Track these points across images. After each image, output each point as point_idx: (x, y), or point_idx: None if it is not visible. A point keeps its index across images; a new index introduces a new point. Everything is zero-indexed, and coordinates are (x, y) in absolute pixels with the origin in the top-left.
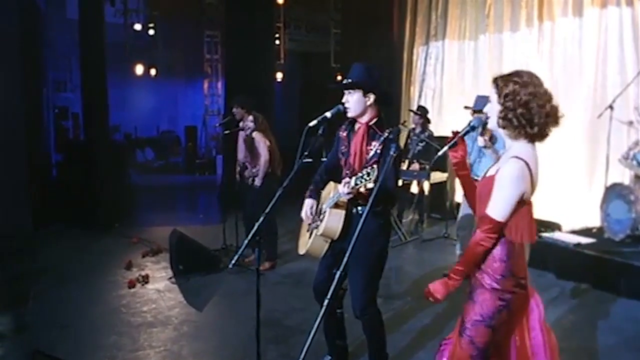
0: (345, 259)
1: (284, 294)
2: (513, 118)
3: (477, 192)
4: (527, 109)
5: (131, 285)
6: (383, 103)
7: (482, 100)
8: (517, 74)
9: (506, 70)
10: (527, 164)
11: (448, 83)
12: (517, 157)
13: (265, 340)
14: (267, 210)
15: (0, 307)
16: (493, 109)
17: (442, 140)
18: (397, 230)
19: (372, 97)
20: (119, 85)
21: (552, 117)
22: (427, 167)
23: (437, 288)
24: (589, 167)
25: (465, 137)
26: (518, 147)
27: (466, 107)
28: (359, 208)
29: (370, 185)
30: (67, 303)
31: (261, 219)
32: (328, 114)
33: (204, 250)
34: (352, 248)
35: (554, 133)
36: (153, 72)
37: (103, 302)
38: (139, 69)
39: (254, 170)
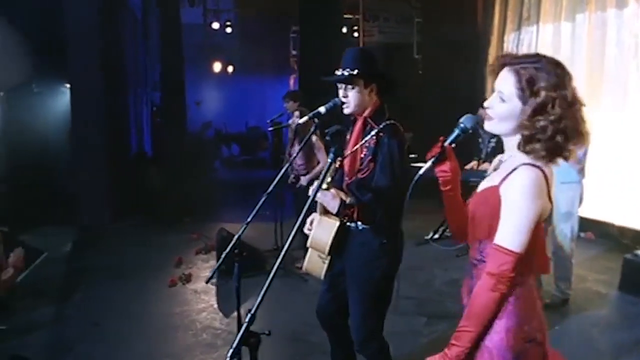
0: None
1: None
2: (542, 149)
3: (469, 212)
4: (565, 136)
5: (172, 284)
6: (388, 93)
7: None
8: (537, 60)
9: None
10: (543, 172)
11: None
12: (530, 164)
13: (281, 356)
14: (248, 220)
15: (49, 299)
16: (508, 110)
17: None
18: None
19: (374, 88)
20: (210, 84)
21: (583, 138)
22: None
23: None
24: None
25: None
26: (528, 156)
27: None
28: (359, 223)
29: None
30: (107, 299)
31: (242, 229)
32: (322, 109)
33: (251, 251)
34: (349, 269)
35: None
36: (240, 70)
37: (140, 300)
38: (229, 68)
39: (302, 170)
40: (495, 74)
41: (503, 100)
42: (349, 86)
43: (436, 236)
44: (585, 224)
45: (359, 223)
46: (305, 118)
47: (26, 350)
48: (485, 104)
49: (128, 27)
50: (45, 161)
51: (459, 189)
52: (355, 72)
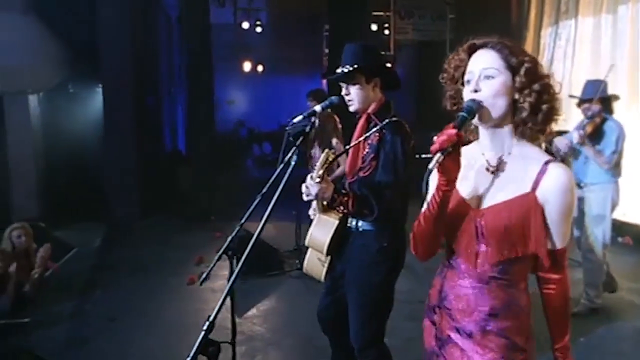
0: None
1: None
2: (547, 111)
3: (486, 225)
4: (554, 90)
5: (190, 282)
6: (391, 87)
7: (593, 87)
8: (501, 39)
9: None
10: None
11: (580, 68)
12: (551, 161)
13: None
14: (242, 221)
15: (72, 294)
16: (500, 84)
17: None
18: None
19: (377, 83)
20: (242, 83)
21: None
22: None
23: None
24: None
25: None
26: (532, 150)
27: (572, 96)
28: (358, 223)
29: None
30: (125, 295)
31: (236, 230)
32: (318, 108)
33: (270, 251)
34: (348, 273)
35: None
36: (273, 69)
37: (157, 297)
38: (259, 67)
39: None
40: (464, 63)
41: (491, 77)
42: (351, 83)
43: None
44: (624, 228)
45: (360, 223)
46: (299, 117)
47: (43, 343)
48: (471, 88)
49: (162, 28)
50: (80, 159)
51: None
52: (354, 67)
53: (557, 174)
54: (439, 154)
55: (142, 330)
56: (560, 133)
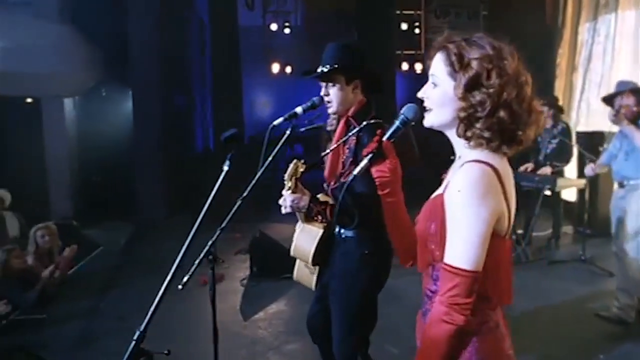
0: None
1: None
2: (483, 128)
3: (417, 231)
4: (509, 111)
5: (204, 283)
6: (373, 90)
7: (624, 84)
8: (468, 36)
9: None
10: (494, 169)
11: (620, 66)
12: (475, 160)
13: None
14: (222, 225)
15: (90, 292)
16: (441, 93)
17: (590, 136)
18: (516, 246)
19: (358, 84)
20: (274, 85)
21: (535, 116)
22: (561, 169)
23: None
24: None
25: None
26: (477, 153)
27: (603, 99)
28: (341, 230)
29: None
30: (138, 294)
31: (216, 233)
32: (299, 109)
33: (285, 253)
34: (332, 281)
35: None
36: (301, 70)
37: (167, 297)
38: (287, 68)
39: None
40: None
41: (436, 85)
42: (330, 83)
43: None
44: None
45: (342, 231)
46: (279, 120)
47: (54, 340)
48: (419, 94)
49: (194, 30)
50: (112, 160)
51: (401, 196)
52: (333, 67)
53: (461, 173)
54: (364, 161)
55: (149, 330)
56: (582, 135)
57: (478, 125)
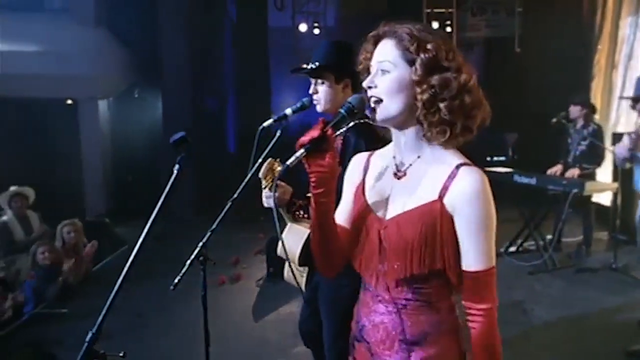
0: None
1: None
2: (446, 112)
3: (388, 238)
4: (471, 95)
5: (220, 283)
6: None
7: None
8: (412, 24)
9: None
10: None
11: None
12: (464, 164)
13: None
14: (213, 227)
15: (110, 289)
16: (396, 79)
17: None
18: (543, 251)
19: (348, 83)
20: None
21: (484, 107)
22: (593, 172)
23: None
24: None
25: None
26: (446, 153)
27: (622, 98)
28: None
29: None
30: (156, 292)
31: (207, 235)
32: (289, 111)
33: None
34: (320, 284)
35: None
36: None
37: (184, 296)
38: None
39: None
40: (370, 55)
41: (387, 72)
42: (319, 80)
43: (512, 249)
44: None
45: None
46: (269, 121)
47: (71, 335)
48: (365, 84)
49: (227, 31)
50: (144, 160)
51: (334, 197)
52: (321, 64)
53: (467, 178)
54: (299, 152)
55: (164, 328)
56: (619, 136)
57: (442, 106)
